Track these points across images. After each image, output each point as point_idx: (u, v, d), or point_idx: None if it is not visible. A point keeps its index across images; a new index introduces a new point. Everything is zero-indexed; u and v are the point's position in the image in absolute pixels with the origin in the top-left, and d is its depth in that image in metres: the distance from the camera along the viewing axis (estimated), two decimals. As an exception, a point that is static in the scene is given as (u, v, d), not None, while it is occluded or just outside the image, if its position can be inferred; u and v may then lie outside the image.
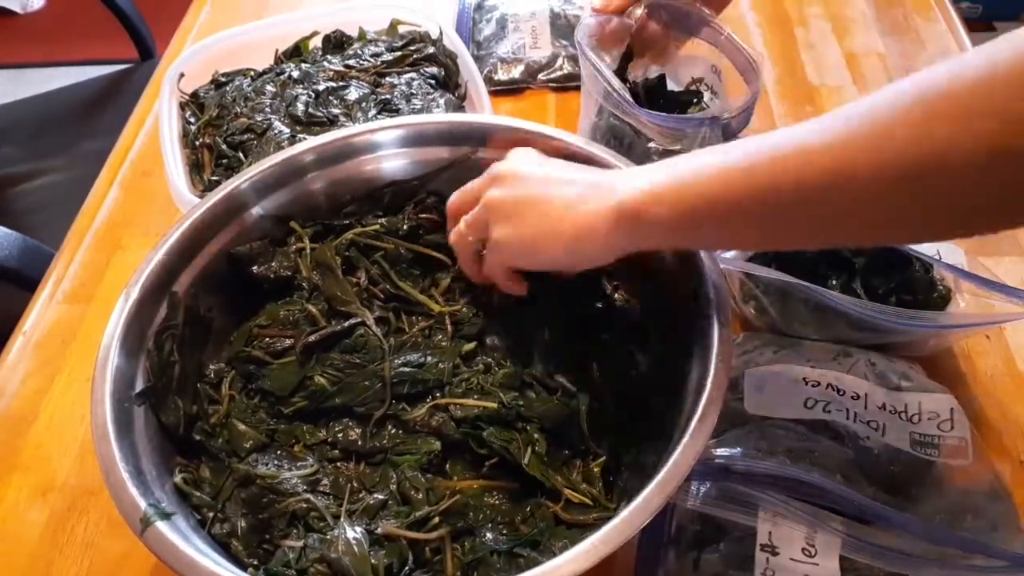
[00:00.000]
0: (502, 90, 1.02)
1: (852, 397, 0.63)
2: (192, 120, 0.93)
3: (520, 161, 0.60)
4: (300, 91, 0.91)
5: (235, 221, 0.67)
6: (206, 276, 0.65)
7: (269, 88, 0.93)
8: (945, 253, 0.69)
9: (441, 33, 0.98)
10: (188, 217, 0.64)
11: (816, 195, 0.44)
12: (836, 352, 0.67)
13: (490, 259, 0.60)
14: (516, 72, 1.02)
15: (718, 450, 0.58)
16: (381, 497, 0.57)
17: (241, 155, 0.86)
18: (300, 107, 0.89)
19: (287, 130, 0.87)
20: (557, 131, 0.68)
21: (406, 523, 0.55)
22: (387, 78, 0.94)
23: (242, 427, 0.61)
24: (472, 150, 0.70)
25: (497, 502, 0.57)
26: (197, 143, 0.90)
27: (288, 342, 0.65)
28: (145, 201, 0.93)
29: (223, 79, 0.97)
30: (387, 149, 0.71)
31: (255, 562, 0.55)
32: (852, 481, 0.58)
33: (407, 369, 0.62)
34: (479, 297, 0.68)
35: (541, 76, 1.02)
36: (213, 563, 0.47)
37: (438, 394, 0.62)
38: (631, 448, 0.60)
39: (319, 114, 0.89)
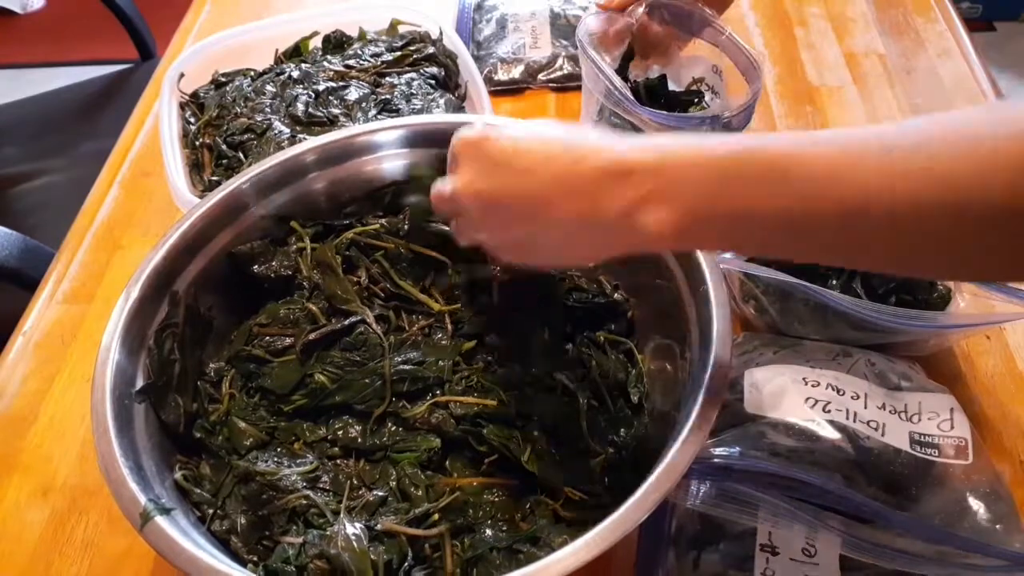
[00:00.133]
0: (502, 90, 1.02)
1: (852, 397, 0.63)
2: (192, 120, 0.93)
3: (478, 141, 0.52)
4: (300, 91, 0.91)
5: (235, 221, 0.67)
6: (207, 275, 0.65)
7: (269, 88, 0.93)
8: (945, 253, 0.69)
9: (441, 33, 0.98)
10: (188, 217, 0.64)
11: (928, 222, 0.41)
12: (836, 352, 0.67)
13: (495, 255, 0.57)
14: (516, 72, 1.02)
15: (717, 450, 0.58)
16: (381, 494, 0.57)
17: (241, 155, 0.87)
18: (300, 107, 0.89)
19: (287, 130, 0.87)
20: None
21: (406, 519, 0.55)
22: (387, 78, 0.94)
23: (242, 425, 0.61)
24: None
25: (497, 499, 0.57)
26: (197, 143, 0.90)
27: (288, 340, 0.65)
28: (145, 201, 0.93)
29: (223, 79, 0.97)
30: (387, 149, 0.71)
31: (255, 558, 0.55)
32: (852, 481, 0.58)
33: (407, 367, 0.62)
34: (479, 296, 0.68)
35: (541, 76, 1.02)
36: (212, 558, 0.47)
37: (438, 392, 0.62)
38: (630, 446, 0.60)
39: (319, 114, 0.89)
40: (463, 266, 0.68)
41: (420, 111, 0.88)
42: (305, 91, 0.91)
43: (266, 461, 0.59)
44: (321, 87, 0.92)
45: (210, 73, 0.98)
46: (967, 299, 0.68)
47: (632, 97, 0.70)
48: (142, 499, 0.49)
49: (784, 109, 0.97)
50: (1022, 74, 2.25)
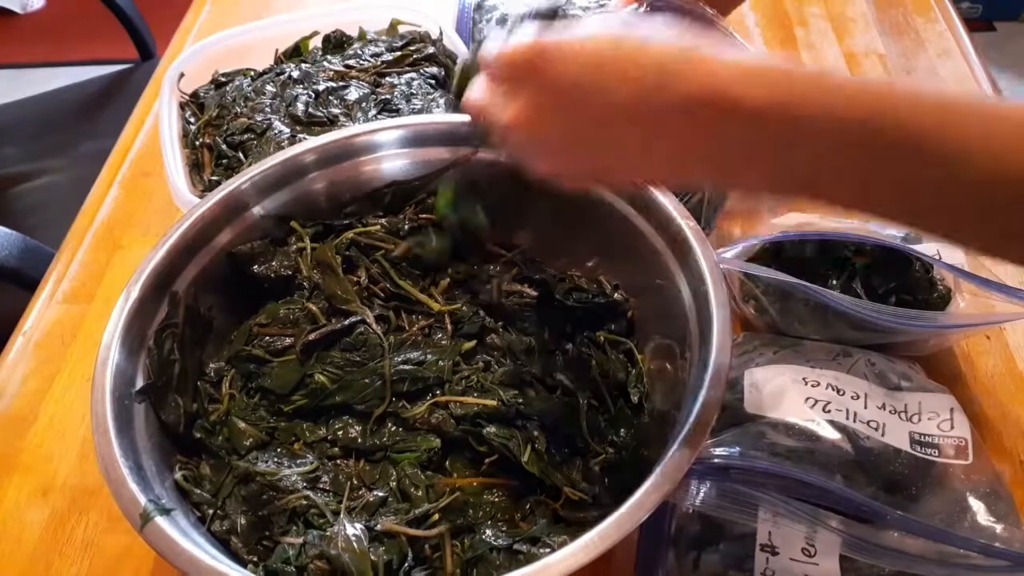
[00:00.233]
0: (502, 90, 1.02)
1: (852, 397, 0.63)
2: (192, 120, 0.93)
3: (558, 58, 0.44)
4: (300, 91, 0.91)
5: (235, 221, 0.67)
6: (206, 275, 0.65)
7: (269, 88, 0.93)
8: (945, 253, 0.69)
9: (441, 33, 0.98)
10: (188, 217, 0.64)
11: None
12: (836, 352, 0.67)
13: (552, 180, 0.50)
14: (516, 72, 1.02)
15: (717, 450, 0.58)
16: (381, 494, 0.57)
17: (241, 155, 0.86)
18: (300, 107, 0.89)
19: (287, 130, 0.87)
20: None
21: (406, 520, 0.55)
22: (387, 78, 0.94)
23: (242, 425, 0.61)
24: (472, 150, 0.70)
25: (497, 499, 0.57)
26: (197, 143, 0.90)
27: (288, 340, 0.65)
28: (145, 201, 0.93)
29: (223, 79, 0.97)
30: (387, 149, 0.71)
31: (255, 559, 0.55)
32: (852, 481, 0.58)
33: (407, 367, 0.62)
34: (479, 296, 0.68)
35: (541, 76, 1.02)
36: (212, 559, 0.47)
37: (438, 392, 0.62)
38: (630, 446, 0.60)
39: (319, 114, 0.89)
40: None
41: (420, 111, 0.88)
42: (305, 91, 0.91)
43: (266, 461, 0.59)
44: (321, 87, 0.92)
45: (210, 73, 0.98)
46: (967, 299, 0.68)
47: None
48: (142, 500, 0.49)
49: (784, 109, 0.96)
50: (1022, 74, 2.25)
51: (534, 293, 0.69)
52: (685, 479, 0.48)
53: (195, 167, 0.88)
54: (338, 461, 0.60)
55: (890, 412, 0.63)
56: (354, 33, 1.02)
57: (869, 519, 0.55)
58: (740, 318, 0.74)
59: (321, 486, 0.58)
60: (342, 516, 0.55)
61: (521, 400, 0.60)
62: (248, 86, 0.95)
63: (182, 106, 0.95)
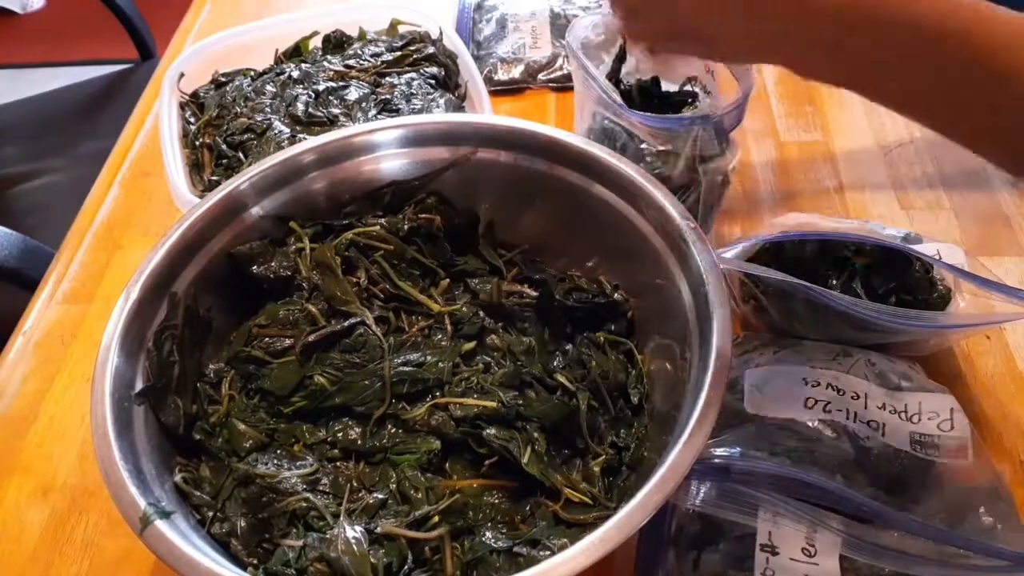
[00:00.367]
0: (502, 90, 1.02)
1: (852, 397, 0.63)
2: (192, 120, 0.93)
3: None
4: (300, 91, 0.91)
5: (235, 221, 0.67)
6: (206, 276, 0.65)
7: (269, 88, 0.93)
8: (945, 253, 0.69)
9: (441, 33, 0.98)
10: (188, 217, 0.64)
11: None
12: (836, 352, 0.67)
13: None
14: (516, 72, 1.02)
15: (718, 450, 0.58)
16: (381, 496, 0.57)
17: (241, 155, 0.86)
18: (300, 107, 0.89)
19: (287, 130, 0.87)
20: (557, 131, 0.68)
21: (406, 522, 0.55)
22: (387, 78, 0.94)
23: (242, 427, 0.61)
24: (472, 150, 0.70)
25: (497, 501, 0.57)
26: (197, 143, 0.90)
27: (288, 342, 0.65)
28: (145, 201, 0.93)
29: (223, 79, 0.97)
30: (387, 149, 0.71)
31: (255, 561, 0.55)
32: (852, 481, 0.58)
33: (407, 368, 0.62)
34: (479, 296, 0.68)
35: (541, 76, 1.02)
36: (212, 562, 0.47)
37: (438, 393, 0.61)
38: (631, 447, 0.60)
39: (319, 114, 0.89)
40: None
41: (420, 111, 0.88)
42: (305, 91, 0.91)
43: (266, 463, 0.59)
44: (321, 87, 0.92)
45: (210, 73, 0.98)
46: (967, 299, 0.68)
47: (620, 101, 0.70)
48: (142, 503, 0.49)
49: (784, 109, 0.96)
50: (1023, 72, 2.24)
51: (534, 293, 0.69)
52: (685, 479, 0.48)
53: (195, 167, 0.88)
54: (338, 463, 0.60)
55: (890, 412, 0.63)
56: (354, 33, 1.02)
57: (869, 519, 0.55)
58: (740, 318, 0.74)
59: (321, 488, 0.58)
60: (342, 518, 0.55)
61: (521, 401, 0.60)
62: (248, 86, 0.94)
63: (182, 106, 0.95)
